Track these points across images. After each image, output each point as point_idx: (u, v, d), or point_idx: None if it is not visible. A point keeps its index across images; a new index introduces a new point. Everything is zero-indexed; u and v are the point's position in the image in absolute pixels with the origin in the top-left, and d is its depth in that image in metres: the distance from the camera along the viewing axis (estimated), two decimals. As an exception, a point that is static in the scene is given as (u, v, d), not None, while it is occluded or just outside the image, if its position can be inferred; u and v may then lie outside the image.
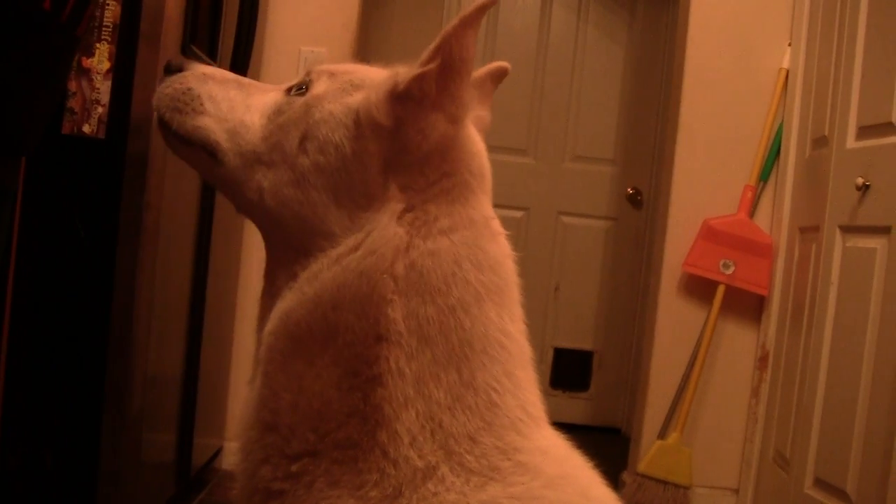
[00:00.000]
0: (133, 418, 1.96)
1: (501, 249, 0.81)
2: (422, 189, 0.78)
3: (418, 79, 0.77)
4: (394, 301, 0.74)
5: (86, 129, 1.87)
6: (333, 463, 0.72)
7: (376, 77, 0.83)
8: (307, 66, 3.11)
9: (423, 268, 0.75)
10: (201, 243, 2.47)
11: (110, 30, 1.86)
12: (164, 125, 0.90)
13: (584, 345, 4.58)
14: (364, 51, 3.38)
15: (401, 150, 0.78)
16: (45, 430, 1.89)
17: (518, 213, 4.50)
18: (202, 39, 2.32)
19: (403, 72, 0.79)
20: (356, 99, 0.82)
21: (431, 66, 0.76)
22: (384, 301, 0.73)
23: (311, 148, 0.80)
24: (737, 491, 3.24)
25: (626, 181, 4.57)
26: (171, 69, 0.92)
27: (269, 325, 0.79)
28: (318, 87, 0.84)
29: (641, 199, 4.55)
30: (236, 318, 3.08)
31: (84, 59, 1.85)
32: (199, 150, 0.88)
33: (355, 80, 0.84)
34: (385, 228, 0.76)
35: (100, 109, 1.86)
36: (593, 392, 4.59)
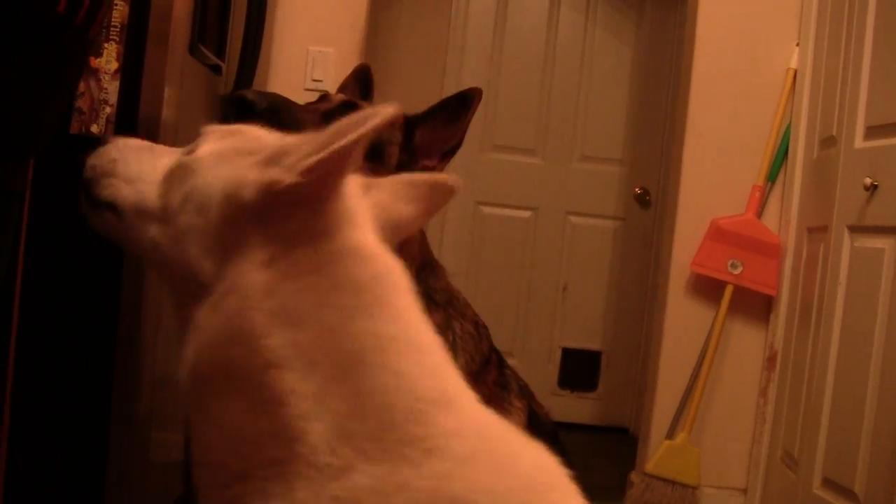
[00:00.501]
0: (141, 418, 1.97)
1: (370, 270, 0.83)
2: (290, 235, 0.81)
3: (293, 186, 0.79)
4: (272, 332, 0.78)
5: (94, 128, 1.87)
6: (265, 481, 0.77)
7: (267, 143, 0.87)
8: (315, 65, 3.12)
9: (289, 304, 0.79)
10: (209, 243, 2.47)
11: (118, 30, 1.87)
12: (85, 194, 0.99)
13: (592, 345, 4.58)
14: (372, 50, 3.39)
15: (267, 216, 0.82)
16: (54, 429, 1.90)
17: (526, 214, 4.48)
18: (210, 39, 2.33)
19: (277, 172, 0.80)
20: (232, 170, 0.85)
21: (305, 179, 0.78)
22: (264, 334, 0.78)
23: (189, 209, 0.86)
24: (745, 491, 3.24)
25: (634, 181, 4.57)
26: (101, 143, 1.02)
27: (181, 373, 0.84)
28: (202, 150, 0.90)
29: (649, 199, 4.55)
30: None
31: (92, 58, 1.85)
32: (106, 210, 0.96)
33: (242, 147, 0.88)
34: (251, 275, 0.81)
35: (108, 109, 1.87)
36: (601, 392, 4.59)
